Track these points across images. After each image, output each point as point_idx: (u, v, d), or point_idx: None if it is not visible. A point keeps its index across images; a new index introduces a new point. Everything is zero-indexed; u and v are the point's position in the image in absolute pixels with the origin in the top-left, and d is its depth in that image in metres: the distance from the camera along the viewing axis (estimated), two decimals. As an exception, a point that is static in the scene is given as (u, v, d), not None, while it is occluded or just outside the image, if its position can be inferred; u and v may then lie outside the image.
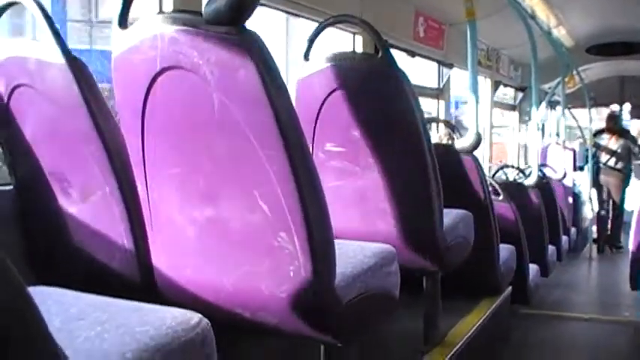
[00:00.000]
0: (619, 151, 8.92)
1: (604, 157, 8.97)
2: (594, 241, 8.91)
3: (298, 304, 1.70)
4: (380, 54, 2.44)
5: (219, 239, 1.71)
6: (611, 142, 8.96)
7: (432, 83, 6.45)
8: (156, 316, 1.29)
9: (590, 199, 8.85)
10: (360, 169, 2.53)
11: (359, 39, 4.55)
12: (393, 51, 5.15)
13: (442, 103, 6.37)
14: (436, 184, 2.48)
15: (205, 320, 1.30)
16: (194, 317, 1.29)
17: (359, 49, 4.52)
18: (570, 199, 8.09)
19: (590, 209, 8.83)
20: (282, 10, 3.62)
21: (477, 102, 3.89)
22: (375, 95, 2.43)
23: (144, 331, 1.22)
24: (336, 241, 1.77)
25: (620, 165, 8.96)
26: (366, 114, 2.45)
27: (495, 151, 9.00)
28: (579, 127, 9.68)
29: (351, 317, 1.82)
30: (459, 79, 6.65)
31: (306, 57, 2.55)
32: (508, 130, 9.92)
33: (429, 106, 6.44)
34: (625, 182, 9.03)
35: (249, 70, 1.53)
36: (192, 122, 1.66)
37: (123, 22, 1.73)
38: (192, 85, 1.60)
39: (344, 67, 2.50)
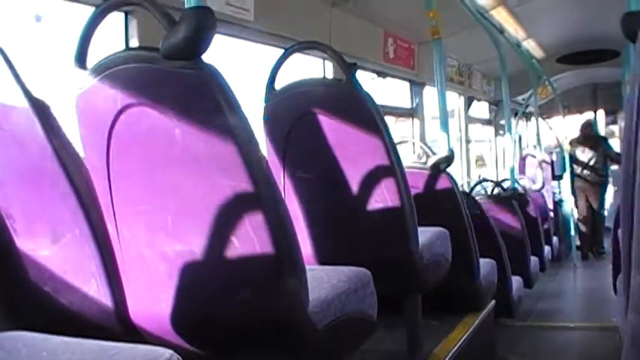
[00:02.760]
0: (595, 158, 9.01)
1: (581, 165, 9.06)
2: (577, 248, 8.95)
3: (273, 333, 1.70)
4: (345, 78, 2.46)
5: (191, 273, 1.71)
6: (587, 149, 9.05)
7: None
8: (126, 354, 1.29)
9: (571, 207, 8.90)
10: (331, 194, 2.55)
11: (329, 64, 4.57)
12: (365, 73, 5.24)
13: (417, 122, 6.39)
14: (409, 203, 2.50)
15: (176, 356, 1.30)
16: (165, 353, 1.29)
17: (330, 74, 4.54)
18: (551, 209, 8.13)
19: (572, 217, 8.87)
20: (246, 39, 3.62)
21: (447, 119, 3.92)
22: (342, 120, 2.45)
23: (113, 371, 1.22)
24: (310, 267, 1.77)
25: (597, 172, 9.05)
26: (335, 138, 2.47)
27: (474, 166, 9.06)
28: (556, 136, 9.76)
29: (328, 342, 1.82)
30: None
31: (271, 85, 2.56)
32: (486, 144, 9.97)
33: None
34: (603, 188, 9.13)
35: (208, 104, 1.54)
36: (157, 158, 1.67)
37: (82, 62, 1.74)
38: (153, 121, 1.61)
39: (310, 93, 2.52)
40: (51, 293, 1.94)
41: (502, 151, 9.49)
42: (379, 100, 5.59)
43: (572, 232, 8.82)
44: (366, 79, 5.31)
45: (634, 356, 0.74)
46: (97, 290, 1.86)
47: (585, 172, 9.07)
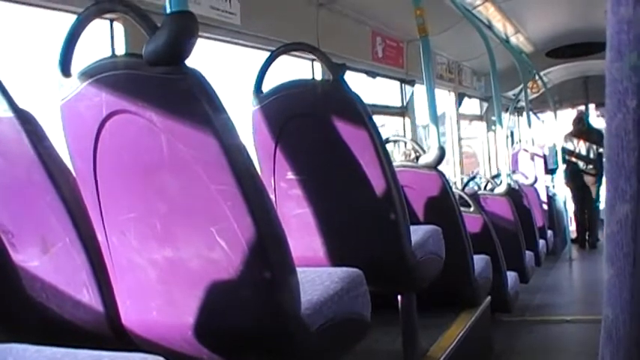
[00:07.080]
0: (589, 151, 9.03)
1: (575, 158, 9.08)
2: (573, 241, 8.96)
3: (266, 337, 1.70)
4: (332, 79, 2.46)
5: (181, 279, 1.70)
6: (581, 142, 9.07)
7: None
8: (116, 363, 1.28)
9: (565, 200, 8.92)
10: (322, 195, 2.54)
11: (318, 66, 4.56)
12: (354, 73, 5.23)
13: (408, 121, 6.38)
14: (399, 201, 2.49)
15: None
16: None
17: (319, 76, 4.54)
18: (545, 202, 8.12)
19: (565, 210, 8.88)
20: (232, 43, 3.61)
21: (437, 116, 3.92)
22: (330, 120, 2.44)
23: (103, 381, 1.21)
24: (302, 269, 1.77)
25: (591, 165, 9.07)
26: (324, 140, 2.47)
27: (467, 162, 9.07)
28: (548, 130, 9.77)
29: (322, 344, 1.81)
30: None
31: (259, 88, 2.54)
32: (478, 140, 9.97)
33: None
34: (598, 181, 9.15)
35: (193, 109, 1.54)
36: (144, 165, 1.66)
37: (65, 70, 1.73)
38: (139, 128, 1.61)
39: (298, 94, 2.51)
40: (43, 303, 1.93)
41: (494, 146, 9.49)
42: (372, 99, 5.64)
43: (567, 226, 8.83)
44: (357, 78, 5.31)
45: (611, 350, 0.74)
46: (88, 298, 1.85)
47: (579, 165, 9.09)
